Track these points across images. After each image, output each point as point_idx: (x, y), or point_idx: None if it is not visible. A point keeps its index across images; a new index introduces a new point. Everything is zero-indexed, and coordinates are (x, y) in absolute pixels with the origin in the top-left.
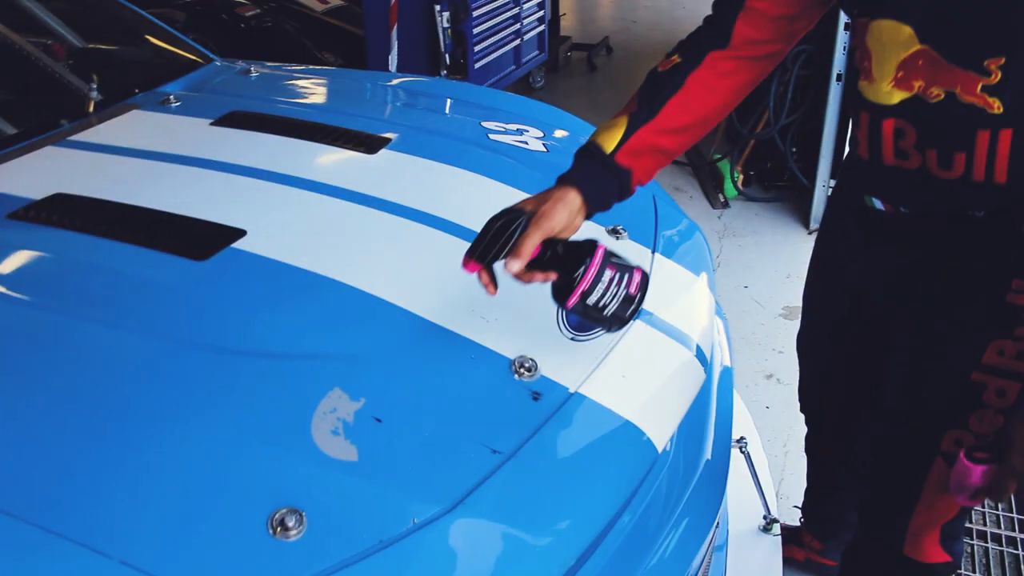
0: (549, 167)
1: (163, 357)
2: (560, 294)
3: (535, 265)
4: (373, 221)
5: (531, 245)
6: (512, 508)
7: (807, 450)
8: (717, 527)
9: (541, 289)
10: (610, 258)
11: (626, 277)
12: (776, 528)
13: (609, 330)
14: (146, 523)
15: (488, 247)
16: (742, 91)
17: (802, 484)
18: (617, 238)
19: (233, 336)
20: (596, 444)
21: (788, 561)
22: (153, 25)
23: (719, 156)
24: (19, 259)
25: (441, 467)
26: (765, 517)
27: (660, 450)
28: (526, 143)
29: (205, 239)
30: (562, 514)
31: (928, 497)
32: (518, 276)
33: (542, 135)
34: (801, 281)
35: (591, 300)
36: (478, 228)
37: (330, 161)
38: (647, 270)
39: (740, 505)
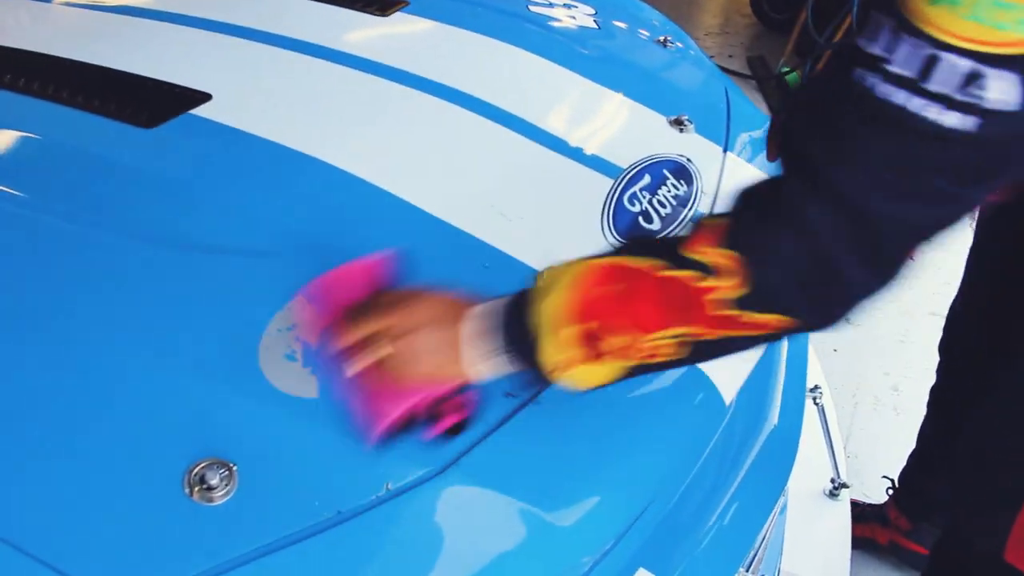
0: (598, 44)
1: (72, 243)
2: None
3: None
4: (374, 91)
5: None
6: (529, 473)
7: (930, 403)
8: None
9: (577, 184)
10: None
11: None
12: (844, 494)
13: None
14: (8, 465)
15: None
16: None
17: (873, 444)
18: (681, 130)
19: (170, 223)
20: (647, 390)
21: (866, 543)
22: None
23: (788, 69)
24: None
25: None
26: (833, 480)
27: (728, 403)
28: (574, 18)
29: (158, 103)
30: (600, 485)
31: None
32: None
33: (594, 12)
34: None
35: None
36: (501, 103)
37: (331, 21)
38: (721, 166)
39: (804, 463)
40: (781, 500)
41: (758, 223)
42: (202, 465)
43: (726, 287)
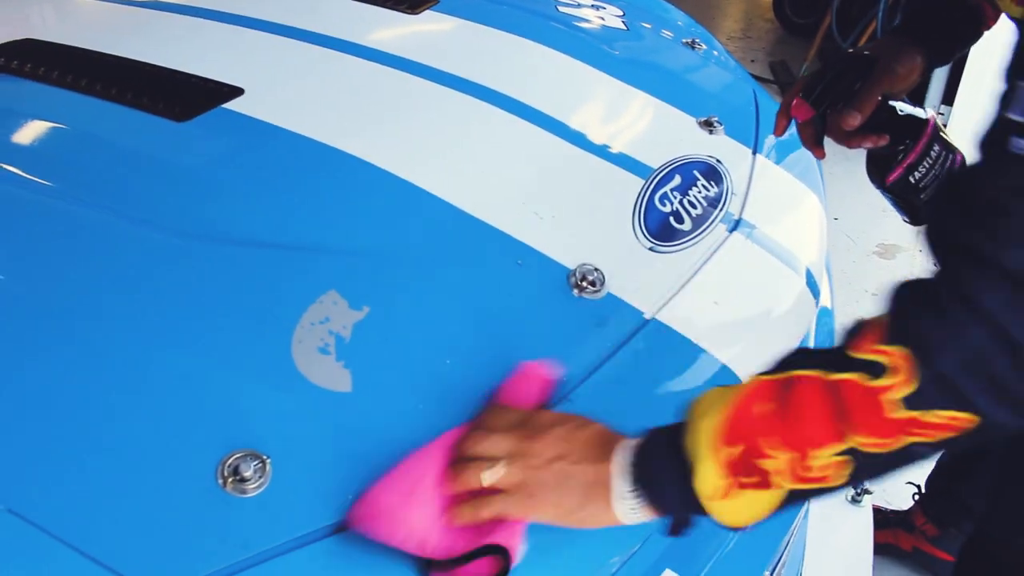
0: (627, 45)
1: (106, 236)
2: (880, 167)
3: (866, 126)
4: (405, 87)
5: (874, 97)
6: None
7: None
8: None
9: (608, 183)
10: (939, 133)
11: (951, 157)
12: (867, 500)
13: (915, 221)
14: (43, 455)
15: (825, 92)
16: None
17: None
18: (710, 132)
19: (202, 216)
20: (677, 388)
21: (889, 549)
22: None
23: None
24: None
25: (466, 407)
26: (855, 486)
27: None
28: (602, 19)
29: (191, 96)
30: None
31: None
32: (847, 136)
33: (622, 14)
34: (898, 217)
35: (915, 177)
36: (533, 102)
37: (362, 18)
38: (750, 168)
39: None
40: (805, 505)
41: (927, 317)
42: (236, 457)
43: (896, 384)
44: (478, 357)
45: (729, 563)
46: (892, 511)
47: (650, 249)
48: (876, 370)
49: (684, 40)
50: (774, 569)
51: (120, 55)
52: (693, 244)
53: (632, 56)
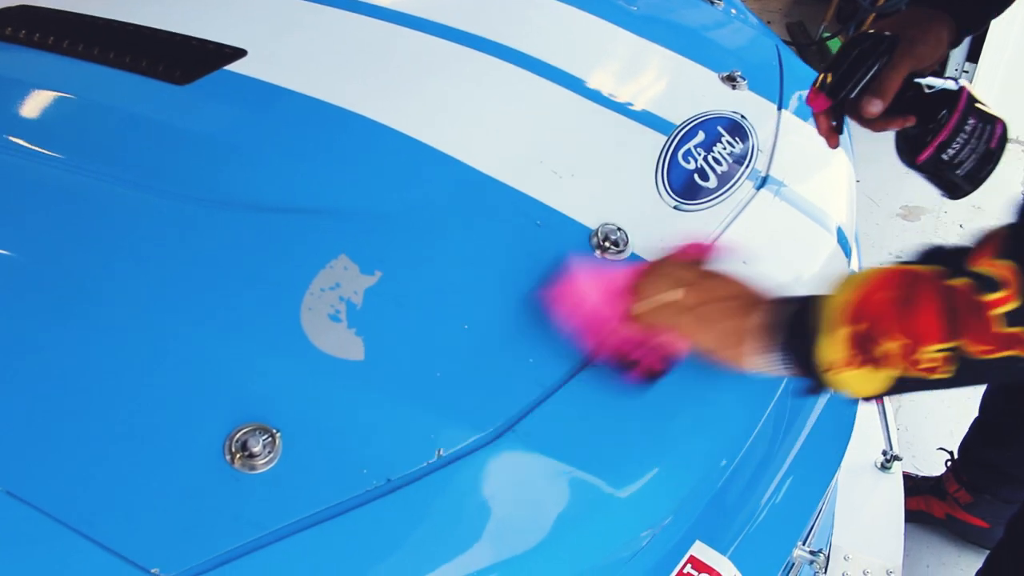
0: (647, 0)
1: (109, 204)
2: (909, 146)
3: (892, 108)
4: (414, 45)
5: (897, 81)
6: (587, 440)
7: None
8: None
9: (629, 141)
10: (974, 104)
11: (988, 129)
12: (896, 467)
13: (953, 195)
14: (44, 433)
15: (843, 79)
16: None
17: (923, 416)
18: (733, 86)
19: (207, 180)
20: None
21: (920, 516)
22: None
23: (828, 35)
24: None
25: (484, 377)
26: (885, 453)
27: None
28: None
29: (192, 59)
30: (657, 451)
31: None
32: (873, 121)
33: None
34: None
35: (948, 154)
36: (549, 59)
37: None
38: (776, 124)
39: (854, 436)
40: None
41: None
42: (244, 431)
43: (1003, 299)
44: (496, 322)
45: (761, 535)
46: (923, 478)
47: (675, 208)
48: (987, 283)
49: None
50: (805, 539)
51: (118, 19)
52: (720, 202)
53: (650, 12)
